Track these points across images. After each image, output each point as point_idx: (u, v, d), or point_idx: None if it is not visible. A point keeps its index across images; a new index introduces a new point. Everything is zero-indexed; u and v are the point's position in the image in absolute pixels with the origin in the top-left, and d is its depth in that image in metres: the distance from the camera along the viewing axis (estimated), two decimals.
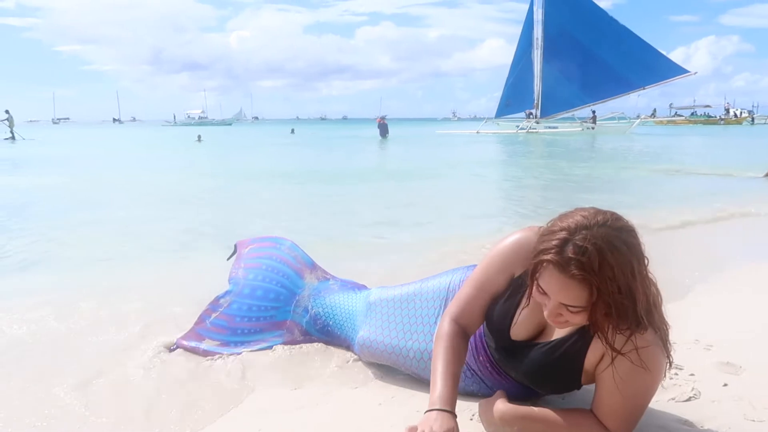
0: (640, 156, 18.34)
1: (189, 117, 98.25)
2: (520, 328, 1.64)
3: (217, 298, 2.50)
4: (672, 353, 1.52)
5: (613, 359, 1.47)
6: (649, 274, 1.44)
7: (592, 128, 37.99)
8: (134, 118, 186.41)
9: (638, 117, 40.00)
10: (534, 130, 37.58)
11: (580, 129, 37.82)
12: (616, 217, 1.43)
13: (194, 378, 2.23)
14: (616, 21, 42.96)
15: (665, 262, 3.90)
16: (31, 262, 4.37)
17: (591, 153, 20.15)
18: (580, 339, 1.55)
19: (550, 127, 38.99)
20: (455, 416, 1.51)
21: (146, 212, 6.87)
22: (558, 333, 1.60)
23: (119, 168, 13.91)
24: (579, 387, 1.65)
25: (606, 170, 12.98)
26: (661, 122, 70.07)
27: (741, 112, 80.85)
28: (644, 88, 41.49)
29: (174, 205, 7.56)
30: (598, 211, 1.42)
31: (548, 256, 1.38)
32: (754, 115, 76.93)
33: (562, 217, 1.44)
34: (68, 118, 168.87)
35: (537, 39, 43.41)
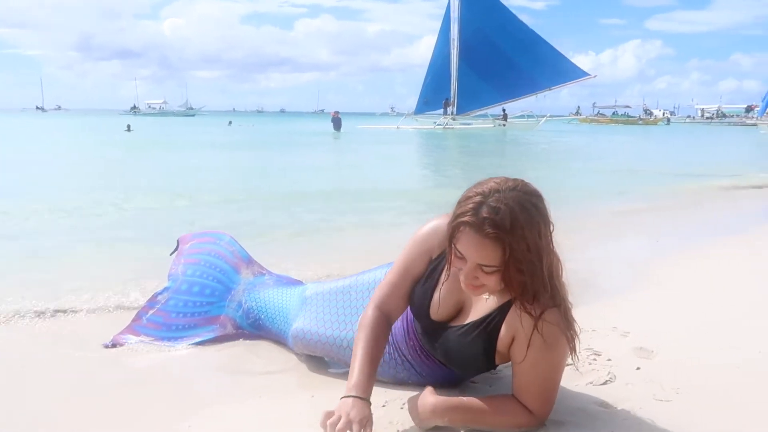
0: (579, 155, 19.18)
1: (150, 107, 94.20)
2: (439, 307, 1.72)
3: (155, 295, 2.52)
4: (576, 326, 1.60)
5: (529, 341, 1.54)
6: (552, 241, 1.54)
7: (504, 125, 40.54)
8: (59, 107, 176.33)
9: (546, 116, 43.34)
10: (450, 127, 39.47)
11: (493, 126, 40.26)
12: (525, 183, 1.54)
13: (129, 375, 2.20)
14: (526, 25, 46.17)
15: (591, 255, 4.15)
16: None
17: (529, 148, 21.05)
18: (492, 321, 1.63)
19: (465, 124, 41.26)
20: (370, 404, 1.58)
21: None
22: (473, 316, 1.68)
23: None
24: (494, 367, 1.76)
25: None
26: (585, 120, 73.72)
27: (664, 113, 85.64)
28: (550, 89, 44.58)
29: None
30: (508, 179, 1.53)
31: (465, 218, 1.47)
32: (669, 116, 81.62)
33: (477, 184, 1.53)
34: None
35: (453, 39, 45.68)
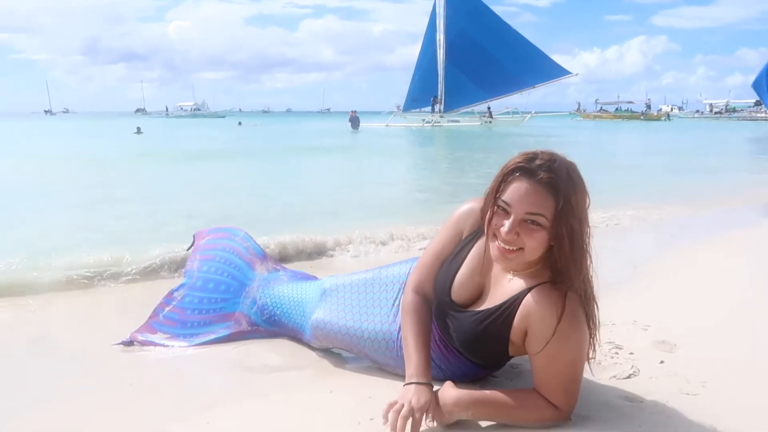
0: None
1: (182, 109, 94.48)
2: (460, 288, 1.70)
3: (171, 292, 2.53)
4: (597, 311, 1.58)
5: (551, 334, 1.50)
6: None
7: (490, 122, 41.91)
8: (67, 110, 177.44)
9: (531, 112, 44.86)
10: (438, 124, 40.83)
11: (479, 123, 41.46)
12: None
13: (148, 372, 2.21)
14: (509, 26, 48.17)
15: (611, 249, 4.11)
16: None
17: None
18: (507, 311, 1.59)
19: (452, 121, 42.68)
20: (431, 386, 1.60)
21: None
22: (489, 303, 1.65)
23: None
24: (509, 358, 1.76)
25: None
26: (588, 116, 73.09)
27: (672, 108, 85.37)
28: (534, 87, 46.17)
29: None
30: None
31: (517, 164, 1.45)
32: (669, 112, 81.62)
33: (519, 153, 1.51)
34: None
35: (439, 39, 47.38)
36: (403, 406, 1.54)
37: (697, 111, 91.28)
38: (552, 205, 1.43)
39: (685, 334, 2.35)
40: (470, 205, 1.74)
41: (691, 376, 1.92)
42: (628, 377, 1.94)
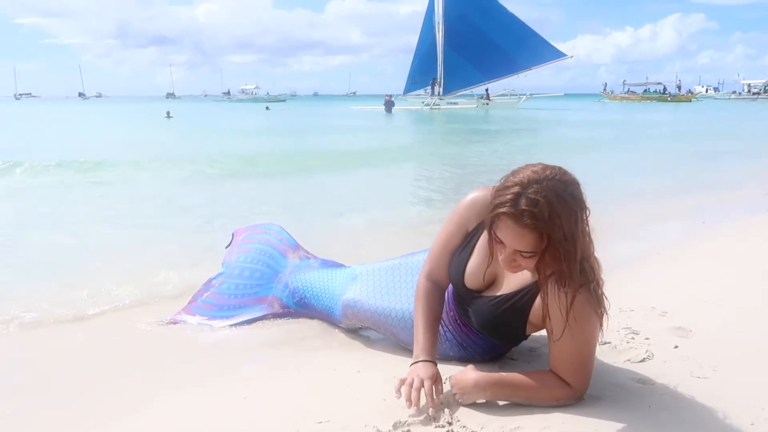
0: None
1: (243, 92, 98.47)
2: (473, 276, 1.82)
3: (210, 280, 2.72)
4: (606, 302, 1.65)
5: (565, 320, 1.60)
6: (587, 225, 1.58)
7: (487, 104, 43.22)
8: (100, 94, 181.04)
9: (526, 95, 46.11)
10: (437, 107, 42.10)
11: (476, 105, 42.74)
12: (563, 172, 1.56)
13: (188, 349, 2.39)
14: (505, 8, 49.55)
15: (624, 233, 4.15)
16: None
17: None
18: (525, 296, 1.72)
19: (451, 103, 44.04)
20: (436, 364, 1.75)
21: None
22: (506, 288, 1.78)
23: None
24: (525, 338, 1.91)
25: None
26: (614, 98, 71.57)
27: (707, 89, 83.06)
28: (530, 69, 47.85)
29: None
30: (546, 166, 1.55)
31: (504, 209, 1.51)
32: (704, 92, 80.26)
33: (515, 172, 1.57)
34: (30, 94, 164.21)
35: (438, 23, 48.91)
36: (413, 379, 1.68)
37: (734, 92, 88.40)
38: (537, 242, 1.51)
39: (702, 320, 2.41)
40: (472, 197, 1.83)
41: (704, 360, 1.99)
42: (642, 361, 2.01)
